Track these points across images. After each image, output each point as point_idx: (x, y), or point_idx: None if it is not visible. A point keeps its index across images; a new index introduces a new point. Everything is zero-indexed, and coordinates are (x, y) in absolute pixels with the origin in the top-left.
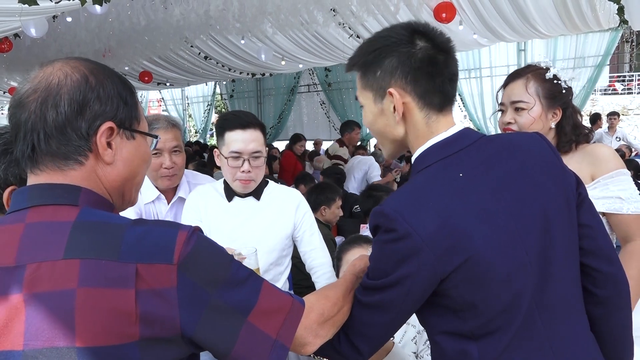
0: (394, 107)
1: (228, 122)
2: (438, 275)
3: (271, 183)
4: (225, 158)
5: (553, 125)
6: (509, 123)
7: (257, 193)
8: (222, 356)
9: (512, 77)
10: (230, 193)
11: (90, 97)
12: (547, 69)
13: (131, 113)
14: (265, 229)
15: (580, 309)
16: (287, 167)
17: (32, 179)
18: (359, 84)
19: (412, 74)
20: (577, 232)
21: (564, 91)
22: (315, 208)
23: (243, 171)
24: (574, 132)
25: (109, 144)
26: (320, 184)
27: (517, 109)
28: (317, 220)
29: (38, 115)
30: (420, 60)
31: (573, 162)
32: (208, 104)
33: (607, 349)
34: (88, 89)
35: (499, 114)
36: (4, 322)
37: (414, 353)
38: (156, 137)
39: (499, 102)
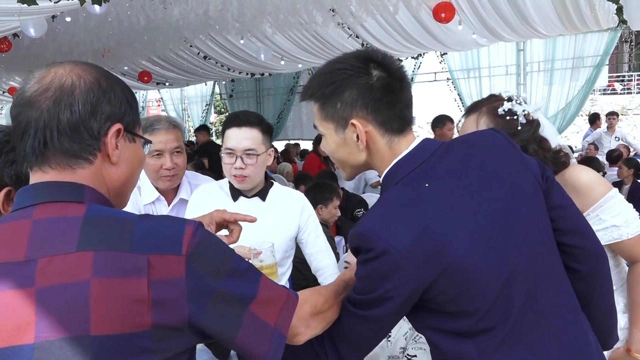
0: (357, 136)
1: (228, 121)
2: (422, 285)
3: (276, 184)
4: (222, 155)
5: None
6: None
7: (262, 194)
8: (227, 344)
9: (468, 111)
10: (235, 193)
11: (102, 100)
12: (502, 103)
13: (134, 117)
14: (271, 230)
15: (568, 289)
16: (312, 172)
17: (38, 177)
18: (317, 114)
19: (373, 104)
20: (548, 216)
21: (520, 127)
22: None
23: (236, 168)
24: None
25: (116, 145)
26: (318, 184)
27: None
28: None
29: (51, 114)
30: (379, 91)
31: None
32: (206, 104)
33: (594, 321)
34: (100, 91)
35: None
36: (15, 317)
37: (402, 349)
38: (150, 142)
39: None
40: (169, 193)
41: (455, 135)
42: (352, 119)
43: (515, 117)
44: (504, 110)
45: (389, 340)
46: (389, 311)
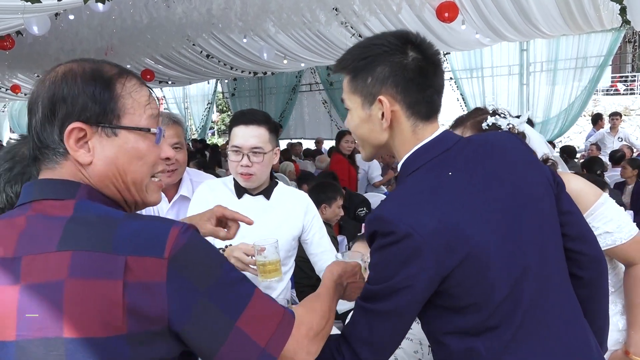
0: (382, 114)
1: (235, 119)
2: (440, 273)
3: (280, 184)
4: (228, 152)
5: None
6: None
7: (267, 192)
8: (207, 358)
9: (453, 125)
10: (240, 190)
11: (56, 100)
12: (486, 117)
13: (105, 109)
14: (274, 229)
15: (570, 291)
16: (341, 176)
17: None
18: (347, 87)
19: (404, 84)
20: (557, 220)
21: None
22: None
23: (242, 165)
24: None
25: (87, 145)
26: (321, 183)
27: None
28: None
29: (31, 123)
30: (412, 71)
31: None
32: (208, 102)
33: (591, 327)
34: (55, 92)
35: None
36: (1, 313)
37: None
38: (148, 130)
39: None
40: (170, 189)
41: None
42: (381, 95)
43: (499, 131)
44: (487, 124)
45: None
46: (407, 302)
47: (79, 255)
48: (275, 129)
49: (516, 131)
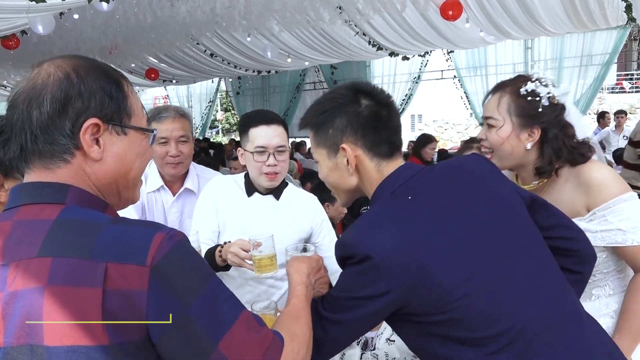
0: (347, 161)
1: (252, 119)
2: (400, 295)
3: (290, 185)
4: (251, 153)
5: (529, 147)
6: (482, 139)
7: (277, 192)
8: None
9: (493, 89)
10: (251, 188)
11: (71, 95)
12: (526, 82)
13: (119, 107)
14: (282, 229)
15: (569, 291)
16: None
17: (26, 178)
18: (312, 141)
19: (361, 130)
20: (533, 226)
21: (541, 109)
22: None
23: (269, 165)
24: (556, 156)
25: (97, 141)
26: None
27: (489, 126)
28: None
29: (25, 116)
30: (367, 117)
31: (566, 190)
32: (210, 101)
33: None
34: (69, 86)
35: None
36: None
37: (387, 339)
38: (152, 131)
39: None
40: (175, 182)
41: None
42: (342, 143)
43: (538, 98)
44: (526, 90)
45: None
46: (362, 317)
47: (59, 262)
48: (287, 128)
49: (556, 102)
